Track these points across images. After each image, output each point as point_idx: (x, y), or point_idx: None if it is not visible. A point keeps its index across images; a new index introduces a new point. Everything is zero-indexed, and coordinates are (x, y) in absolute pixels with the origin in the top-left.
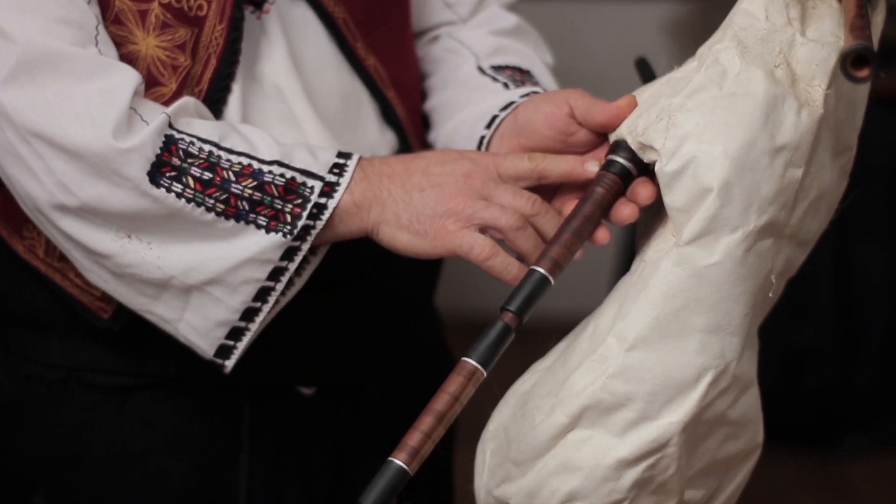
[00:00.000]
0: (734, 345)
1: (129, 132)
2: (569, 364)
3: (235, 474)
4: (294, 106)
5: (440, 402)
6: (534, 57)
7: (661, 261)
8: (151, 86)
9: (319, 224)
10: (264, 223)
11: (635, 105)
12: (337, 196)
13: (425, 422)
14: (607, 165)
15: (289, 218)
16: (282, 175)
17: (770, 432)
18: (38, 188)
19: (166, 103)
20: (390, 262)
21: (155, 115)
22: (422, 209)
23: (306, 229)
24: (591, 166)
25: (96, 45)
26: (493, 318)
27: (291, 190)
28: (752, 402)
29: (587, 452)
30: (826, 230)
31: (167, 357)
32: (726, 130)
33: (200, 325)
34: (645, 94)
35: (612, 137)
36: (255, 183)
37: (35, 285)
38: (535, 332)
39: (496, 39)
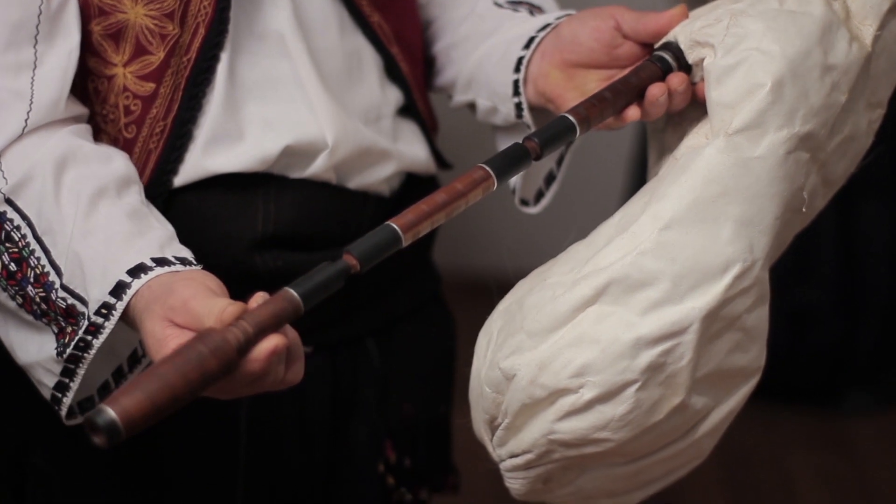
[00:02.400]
0: (762, 244)
1: None
2: (594, 245)
3: (236, 429)
4: (298, 66)
5: (448, 193)
6: None
7: (705, 148)
8: (140, 55)
9: (88, 356)
10: (56, 331)
11: (686, 14)
12: (102, 336)
13: (429, 203)
14: (652, 59)
15: (66, 338)
16: (64, 299)
17: (774, 390)
18: None
19: (155, 72)
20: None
21: (15, 171)
22: None
23: (76, 357)
24: None
25: (35, 43)
26: (489, 275)
27: (71, 314)
28: (764, 317)
29: (607, 327)
30: None
31: None
32: (785, 36)
33: None
34: (697, 10)
35: (662, 41)
36: (43, 294)
37: None
38: None
39: None
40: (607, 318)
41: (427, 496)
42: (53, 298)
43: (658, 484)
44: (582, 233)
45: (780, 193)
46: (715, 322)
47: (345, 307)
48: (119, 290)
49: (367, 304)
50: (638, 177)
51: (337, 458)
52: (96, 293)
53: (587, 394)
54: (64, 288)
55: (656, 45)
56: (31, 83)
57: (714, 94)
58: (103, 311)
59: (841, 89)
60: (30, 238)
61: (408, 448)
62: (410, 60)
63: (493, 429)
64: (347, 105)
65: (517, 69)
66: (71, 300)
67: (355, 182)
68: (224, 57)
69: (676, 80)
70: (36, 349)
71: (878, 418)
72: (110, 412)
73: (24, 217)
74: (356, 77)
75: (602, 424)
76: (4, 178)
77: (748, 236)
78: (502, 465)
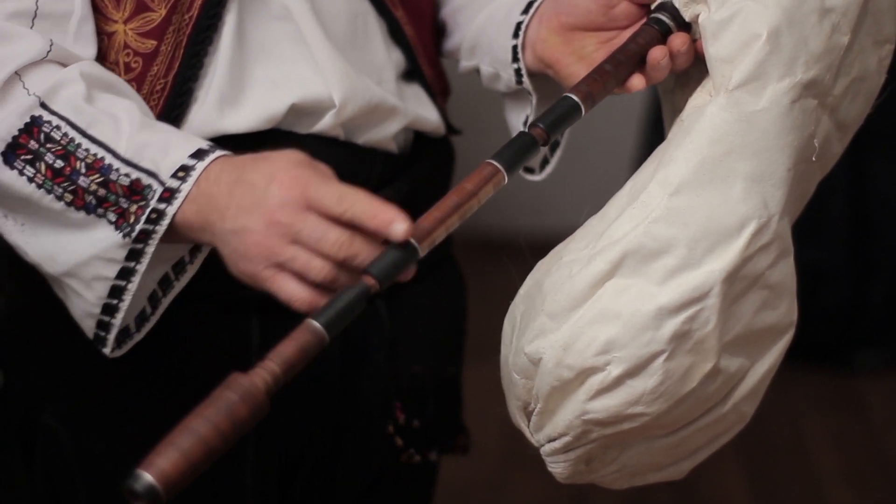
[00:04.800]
0: (777, 197)
1: None
2: (607, 218)
3: None
4: (302, 26)
5: (460, 194)
6: None
7: (706, 107)
8: (141, 11)
9: (160, 229)
10: (114, 219)
11: None
12: (176, 203)
13: (442, 208)
14: (650, 21)
15: (132, 219)
16: (127, 175)
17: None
18: None
19: (156, 29)
20: (400, 178)
21: (41, 83)
22: (237, 250)
23: (146, 233)
24: (398, 226)
25: None
26: (507, 237)
27: (136, 191)
28: (789, 271)
29: (627, 300)
30: None
31: None
32: None
33: (75, 313)
34: None
35: (658, 1)
36: (101, 179)
37: None
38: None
39: None
40: (626, 291)
41: (436, 457)
42: (114, 179)
43: (704, 452)
44: (597, 191)
45: (789, 144)
46: (737, 282)
47: None
48: (201, 153)
49: None
50: (651, 133)
51: (345, 419)
52: (171, 158)
53: (615, 370)
54: (127, 163)
55: (653, 6)
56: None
57: (712, 50)
58: (180, 173)
59: (842, 30)
60: (73, 133)
61: (417, 409)
62: (416, 24)
63: (528, 415)
64: (353, 66)
65: (516, 34)
66: (136, 174)
67: (363, 138)
68: (230, 19)
69: (678, 41)
70: (88, 245)
71: (890, 377)
72: (147, 477)
73: (61, 118)
74: (361, 39)
75: (634, 399)
76: (26, 88)
77: (761, 192)
78: (542, 451)
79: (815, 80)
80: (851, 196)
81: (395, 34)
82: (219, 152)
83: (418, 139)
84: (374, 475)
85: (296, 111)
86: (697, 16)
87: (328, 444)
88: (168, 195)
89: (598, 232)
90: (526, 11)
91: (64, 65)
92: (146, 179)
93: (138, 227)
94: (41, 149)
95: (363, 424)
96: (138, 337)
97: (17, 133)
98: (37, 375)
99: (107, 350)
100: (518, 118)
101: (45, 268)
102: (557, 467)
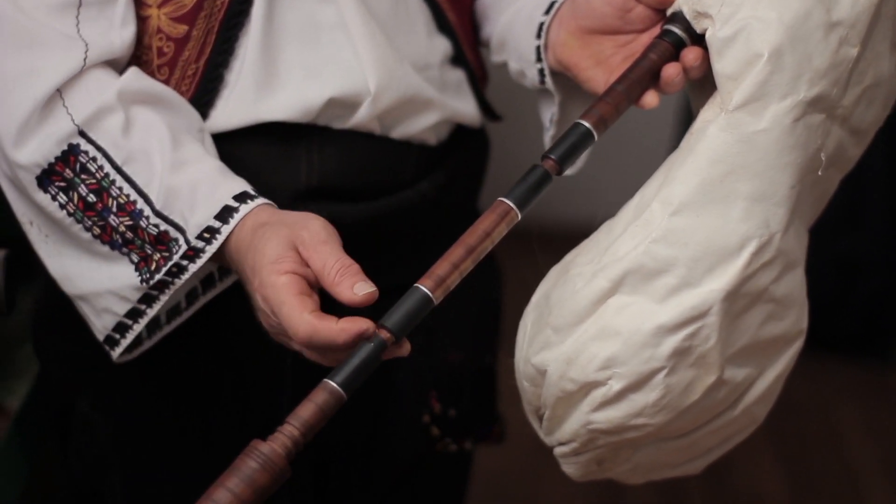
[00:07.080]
0: (779, 216)
1: (38, 128)
2: (613, 232)
3: (280, 380)
4: (344, 10)
5: (472, 236)
6: None
7: (708, 126)
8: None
9: (178, 282)
10: (136, 260)
11: None
12: (199, 262)
13: (455, 253)
14: (662, 35)
15: (153, 266)
16: (156, 225)
17: (818, 340)
18: None
19: (188, 14)
20: (435, 170)
21: (82, 106)
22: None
23: (163, 283)
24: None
25: None
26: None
27: (162, 241)
28: (796, 282)
29: (627, 318)
30: (879, 135)
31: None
32: (782, 0)
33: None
34: None
35: (670, 11)
36: (130, 222)
37: None
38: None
39: None
40: (627, 309)
41: (472, 447)
42: (143, 226)
43: (718, 451)
44: (635, 181)
45: (792, 163)
46: (739, 299)
47: (390, 256)
48: (225, 213)
49: (412, 254)
50: (687, 122)
51: (381, 408)
52: (197, 218)
53: (616, 385)
54: (158, 215)
55: (668, 13)
56: (77, 24)
57: (717, 67)
58: (206, 235)
59: (850, 43)
60: (108, 169)
61: (453, 399)
62: (458, 10)
63: (539, 418)
64: (397, 51)
65: (538, 35)
66: (164, 226)
67: (399, 131)
68: (260, 2)
69: (690, 55)
70: (106, 278)
71: None
72: None
73: (98, 148)
74: (404, 25)
75: (636, 412)
76: (69, 113)
77: (763, 211)
78: (554, 452)
79: (821, 95)
80: (888, 188)
81: (439, 20)
82: (242, 211)
83: (455, 129)
84: (409, 464)
85: (333, 104)
86: (706, 30)
87: (364, 433)
88: (192, 254)
89: (604, 247)
90: (548, 12)
91: (107, 62)
92: (174, 233)
93: (157, 277)
94: (76, 178)
95: (399, 413)
96: (149, 344)
97: (53, 161)
98: (72, 364)
99: (113, 356)
100: (545, 114)
101: (60, 285)
102: (570, 468)
